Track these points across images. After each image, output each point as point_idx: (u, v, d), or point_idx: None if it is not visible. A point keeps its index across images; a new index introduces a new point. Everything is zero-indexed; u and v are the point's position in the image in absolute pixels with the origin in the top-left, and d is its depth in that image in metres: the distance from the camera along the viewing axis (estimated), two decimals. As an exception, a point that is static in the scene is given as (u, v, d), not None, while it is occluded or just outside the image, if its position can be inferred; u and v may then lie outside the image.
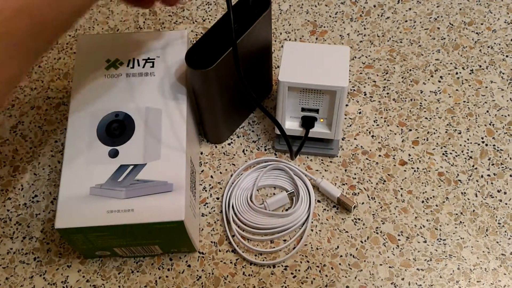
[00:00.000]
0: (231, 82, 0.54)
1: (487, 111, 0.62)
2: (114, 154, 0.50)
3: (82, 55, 0.56)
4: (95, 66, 0.55)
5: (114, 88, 0.53)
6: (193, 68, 0.49)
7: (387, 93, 0.64)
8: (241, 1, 0.53)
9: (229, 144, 0.61)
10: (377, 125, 0.62)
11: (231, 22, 0.47)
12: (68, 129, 0.51)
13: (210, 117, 0.57)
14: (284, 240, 0.55)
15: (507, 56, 0.66)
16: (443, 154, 0.59)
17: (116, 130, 0.51)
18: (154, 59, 0.55)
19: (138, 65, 0.54)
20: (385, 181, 0.58)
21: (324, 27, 0.69)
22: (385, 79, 0.65)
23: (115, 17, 0.71)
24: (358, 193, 0.57)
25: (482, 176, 0.58)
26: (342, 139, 0.61)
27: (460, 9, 0.70)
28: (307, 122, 0.57)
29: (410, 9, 0.70)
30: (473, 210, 0.56)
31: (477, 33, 0.68)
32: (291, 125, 0.57)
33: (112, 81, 0.54)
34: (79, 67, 0.55)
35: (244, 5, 0.53)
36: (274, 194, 0.58)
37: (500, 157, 0.59)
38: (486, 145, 0.60)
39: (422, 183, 0.58)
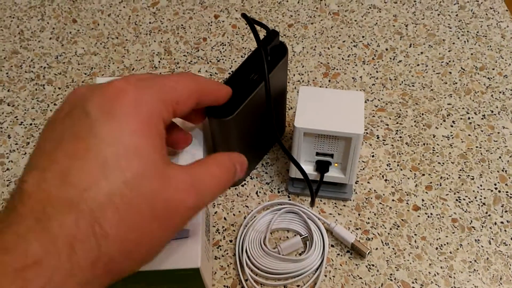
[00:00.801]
0: (249, 128, 0.55)
1: (500, 157, 0.62)
2: (131, 198, 0.50)
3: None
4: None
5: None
6: (214, 117, 0.50)
7: (400, 137, 0.64)
8: (258, 49, 0.54)
9: (242, 185, 0.61)
10: (390, 169, 0.62)
11: (263, 58, 0.49)
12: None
13: None
14: (298, 286, 0.55)
15: (518, 101, 0.66)
16: (457, 200, 0.59)
17: (133, 173, 0.51)
18: (171, 102, 0.55)
19: (156, 108, 0.55)
20: (398, 226, 0.58)
21: (337, 69, 0.70)
22: (397, 123, 0.65)
23: (131, 56, 0.72)
24: (372, 238, 0.57)
25: (495, 223, 0.58)
26: (356, 183, 0.61)
27: (472, 54, 0.71)
28: (322, 167, 0.57)
29: (422, 53, 0.71)
30: (487, 258, 0.56)
31: (488, 78, 0.69)
32: (306, 169, 0.57)
33: (130, 124, 0.54)
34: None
35: (261, 52, 0.53)
36: (287, 237, 0.58)
37: (513, 204, 0.59)
38: (499, 191, 0.60)
39: (436, 229, 0.58)
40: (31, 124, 0.67)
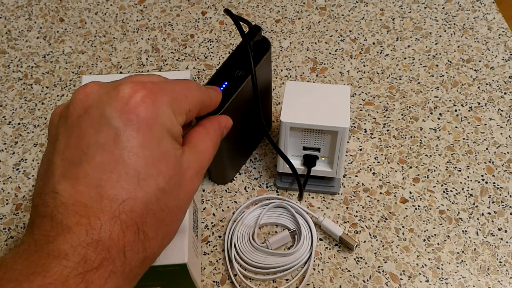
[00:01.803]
0: (237, 125, 0.55)
1: (487, 149, 0.62)
2: (117, 195, 0.50)
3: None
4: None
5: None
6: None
7: (387, 130, 0.64)
8: (242, 45, 0.54)
9: (231, 181, 0.61)
10: (378, 162, 0.62)
11: (249, 52, 0.49)
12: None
13: (216, 160, 0.57)
14: (287, 280, 0.55)
15: (505, 93, 0.67)
16: (444, 191, 0.60)
17: (120, 171, 0.51)
18: (157, 99, 0.56)
19: (142, 105, 0.55)
20: (386, 219, 0.58)
21: (325, 64, 0.70)
22: (385, 116, 0.65)
23: (118, 54, 0.72)
24: (360, 231, 0.58)
25: (482, 214, 0.58)
26: (343, 176, 0.61)
27: (458, 47, 0.71)
28: (309, 161, 0.57)
29: (408, 46, 0.72)
30: (474, 249, 0.56)
31: (475, 70, 0.69)
32: (293, 163, 0.58)
33: (116, 121, 0.54)
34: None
35: (245, 48, 0.54)
36: (276, 232, 0.58)
37: (500, 195, 0.59)
38: (486, 182, 0.60)
39: (424, 221, 0.58)
40: (19, 124, 0.67)
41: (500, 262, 0.55)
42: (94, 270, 0.28)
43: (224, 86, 0.52)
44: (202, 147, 0.36)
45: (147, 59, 0.72)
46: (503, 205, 0.59)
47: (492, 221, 0.58)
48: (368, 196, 0.60)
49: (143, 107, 0.31)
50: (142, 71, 0.70)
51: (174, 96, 0.34)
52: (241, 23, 0.50)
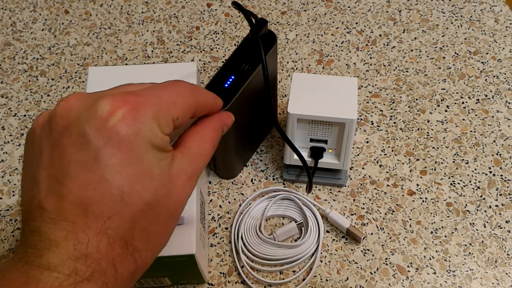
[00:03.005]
0: (244, 119, 0.55)
1: (494, 141, 0.62)
2: (125, 186, 0.50)
3: (92, 87, 0.56)
4: (106, 98, 0.55)
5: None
6: None
7: (394, 123, 0.64)
8: (248, 38, 0.54)
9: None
10: (385, 154, 0.62)
11: (259, 42, 0.49)
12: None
13: (223, 155, 0.57)
14: (294, 271, 0.55)
15: (512, 85, 0.66)
16: (451, 184, 0.60)
17: (127, 162, 0.51)
18: (164, 91, 0.55)
19: (149, 97, 0.55)
20: (393, 211, 0.58)
21: (331, 56, 0.70)
22: (392, 109, 0.65)
23: (124, 46, 0.72)
24: (367, 223, 0.57)
25: (490, 207, 0.58)
26: (350, 169, 0.61)
27: (465, 39, 0.71)
28: (316, 153, 0.57)
29: (415, 38, 0.71)
30: (482, 241, 0.56)
31: (482, 62, 0.69)
32: (300, 155, 0.58)
33: (123, 113, 0.54)
34: (90, 99, 0.55)
35: (251, 42, 0.53)
36: (282, 224, 0.58)
37: (507, 187, 0.59)
38: (494, 175, 0.60)
39: (431, 213, 0.58)
40: (24, 116, 0.66)
41: (508, 254, 0.55)
42: (86, 281, 0.29)
43: (230, 80, 0.51)
44: (197, 149, 0.35)
45: (152, 51, 0.72)
46: (510, 198, 0.58)
47: (500, 214, 0.57)
48: (375, 189, 0.60)
49: (123, 125, 0.30)
50: (147, 63, 0.70)
51: (160, 106, 0.32)
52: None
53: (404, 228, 0.57)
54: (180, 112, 0.34)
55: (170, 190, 0.33)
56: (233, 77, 0.51)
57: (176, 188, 0.33)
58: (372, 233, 0.57)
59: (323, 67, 0.69)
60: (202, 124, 0.37)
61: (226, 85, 0.51)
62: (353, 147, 0.62)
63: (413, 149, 0.62)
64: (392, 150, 0.62)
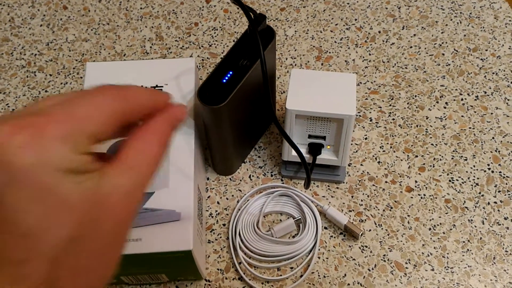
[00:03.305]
0: (242, 115, 0.55)
1: (493, 138, 0.62)
2: (122, 182, 0.50)
3: (90, 82, 0.56)
4: (103, 93, 0.55)
5: (122, 116, 0.53)
6: (206, 105, 0.49)
7: (393, 119, 0.64)
8: (246, 34, 0.53)
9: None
10: (383, 151, 0.62)
11: (257, 37, 0.49)
12: (76, 156, 0.51)
13: (221, 151, 0.57)
14: (291, 268, 0.55)
15: (511, 82, 0.66)
16: (450, 180, 0.59)
17: (124, 158, 0.51)
18: (162, 86, 0.55)
19: (146, 92, 0.55)
20: (392, 207, 0.58)
21: (330, 52, 0.70)
22: (390, 105, 0.65)
23: (122, 42, 0.72)
24: (365, 220, 0.57)
25: (488, 203, 0.58)
26: (349, 165, 0.61)
27: (465, 35, 0.71)
28: (314, 149, 0.57)
29: (414, 35, 0.71)
30: (480, 238, 0.56)
31: (481, 59, 0.69)
32: (298, 151, 0.57)
33: (120, 108, 0.54)
34: (87, 94, 0.55)
35: (249, 38, 0.53)
36: (280, 220, 0.58)
37: (506, 184, 0.59)
38: (492, 171, 0.60)
39: (429, 210, 0.58)
40: (22, 111, 0.66)
41: (506, 251, 0.55)
42: None
43: (229, 75, 0.51)
44: (135, 159, 0.30)
45: (151, 47, 0.71)
46: (509, 194, 0.58)
47: (498, 210, 0.57)
48: (373, 185, 0.59)
49: (23, 154, 0.26)
50: (146, 59, 0.70)
51: (70, 124, 0.28)
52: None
53: (402, 225, 0.57)
54: (100, 125, 0.29)
55: (101, 214, 0.29)
56: (231, 72, 0.51)
57: (110, 210, 0.29)
58: (370, 230, 0.57)
59: (322, 64, 0.69)
60: (143, 128, 0.32)
61: (224, 81, 0.50)
62: (351, 144, 0.62)
63: (411, 145, 0.62)
64: (391, 147, 0.62)
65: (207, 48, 0.71)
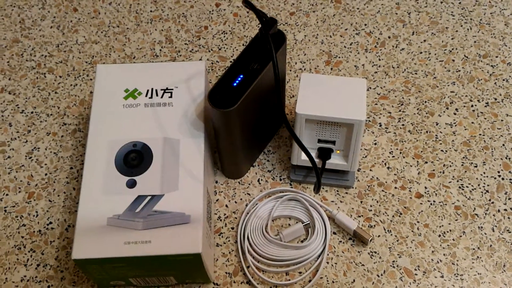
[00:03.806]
0: (252, 118, 0.55)
1: (503, 145, 0.62)
2: (131, 184, 0.50)
3: (100, 84, 0.56)
4: (113, 95, 0.55)
5: (132, 118, 0.53)
6: (216, 108, 0.49)
7: (403, 125, 0.64)
8: (257, 38, 0.53)
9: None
10: (393, 156, 0.61)
11: (269, 40, 0.49)
12: (86, 158, 0.52)
13: (230, 155, 0.57)
14: (300, 273, 0.55)
15: (522, 89, 0.66)
16: (460, 187, 0.59)
17: (134, 160, 0.51)
18: (172, 89, 0.55)
19: (157, 95, 0.55)
20: (401, 213, 0.58)
21: (339, 57, 0.70)
22: (400, 111, 0.65)
23: (132, 44, 0.72)
24: (374, 225, 0.57)
25: (499, 211, 0.57)
26: (358, 170, 0.61)
27: (475, 42, 0.70)
28: (324, 154, 0.56)
29: (424, 40, 0.71)
30: (490, 245, 0.55)
31: (492, 65, 0.68)
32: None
33: (130, 110, 0.54)
34: (97, 96, 0.55)
35: (260, 42, 0.53)
36: (289, 225, 0.57)
37: (517, 191, 0.58)
38: (503, 179, 0.59)
39: (439, 216, 0.57)
40: (32, 112, 0.66)
41: (516, 259, 0.54)
42: None
43: (239, 79, 0.51)
44: None
45: (160, 50, 0.71)
46: (519, 202, 0.58)
47: (509, 218, 0.57)
48: (382, 191, 0.59)
49: None
50: (156, 62, 0.70)
51: None
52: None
53: (412, 231, 0.56)
54: None
55: None
56: (241, 76, 0.51)
57: None
58: (379, 236, 0.56)
59: (331, 68, 0.69)
60: None
61: (235, 84, 0.50)
62: (360, 149, 0.62)
63: (421, 151, 0.62)
64: (400, 152, 0.62)
65: (216, 51, 0.71)
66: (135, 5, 0.76)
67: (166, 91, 0.55)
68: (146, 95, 0.55)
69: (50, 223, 0.58)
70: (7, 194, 0.60)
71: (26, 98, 0.68)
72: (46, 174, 0.62)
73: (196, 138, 0.53)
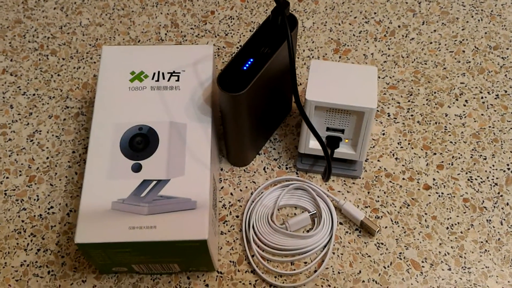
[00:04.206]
0: (260, 104, 0.54)
1: (513, 137, 0.61)
2: (137, 168, 0.49)
3: (106, 66, 0.55)
4: (119, 78, 0.54)
5: (138, 101, 0.52)
6: (226, 92, 0.48)
7: (411, 115, 0.63)
8: (268, 21, 0.52)
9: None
10: (401, 147, 0.60)
11: (285, 19, 0.48)
12: (90, 141, 0.50)
13: (236, 141, 0.56)
14: (305, 263, 0.54)
15: (533, 82, 0.65)
16: (468, 179, 0.58)
17: (140, 144, 0.50)
18: (179, 73, 0.54)
19: (163, 78, 0.54)
20: (409, 205, 0.57)
21: (348, 45, 0.69)
22: (409, 101, 0.64)
23: (137, 28, 0.71)
24: (381, 216, 0.56)
25: (507, 204, 0.57)
26: (365, 161, 0.60)
27: (486, 33, 0.69)
28: (332, 142, 0.55)
29: (435, 30, 0.70)
30: (498, 239, 0.55)
31: (502, 57, 0.67)
32: (315, 144, 0.56)
33: (137, 93, 0.53)
34: (103, 78, 0.54)
35: (271, 25, 0.52)
36: (295, 214, 0.56)
37: (526, 185, 0.58)
38: (512, 172, 0.59)
39: (447, 208, 0.56)
40: (34, 95, 0.65)
41: (525, 253, 0.54)
42: None
43: (249, 63, 0.50)
44: None
45: (166, 34, 0.70)
46: (529, 196, 0.57)
47: (518, 211, 0.56)
48: (390, 182, 0.58)
49: None
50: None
51: None
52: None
53: (419, 223, 0.56)
54: None
55: None
56: (252, 60, 0.50)
57: None
58: (386, 227, 0.55)
59: (339, 57, 0.68)
60: None
61: (245, 68, 0.49)
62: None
63: (430, 142, 0.61)
64: (409, 143, 0.61)
65: (223, 37, 0.70)
66: (141, -12, 0.75)
67: (173, 74, 0.54)
68: (153, 78, 0.54)
69: (51, 207, 0.57)
70: (7, 177, 0.59)
71: (28, 80, 0.66)
72: (47, 158, 0.61)
73: (203, 123, 0.51)
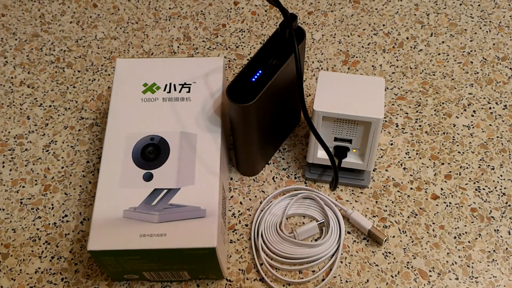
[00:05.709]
0: (269, 114, 0.55)
1: (521, 148, 0.61)
2: (148, 177, 0.50)
3: (120, 78, 0.56)
4: (132, 89, 0.55)
5: (150, 112, 0.54)
6: (234, 103, 0.49)
7: (419, 126, 0.63)
8: (276, 34, 0.53)
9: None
10: (409, 157, 0.61)
11: (292, 33, 0.49)
12: (104, 151, 0.52)
13: (246, 151, 0.57)
14: (313, 271, 0.54)
15: (541, 92, 0.65)
16: (476, 189, 0.59)
17: (151, 153, 0.51)
18: (190, 84, 0.55)
19: (175, 89, 0.55)
20: (416, 214, 0.57)
21: (357, 57, 0.70)
22: (417, 111, 0.64)
23: (150, 41, 0.72)
24: (389, 226, 0.57)
25: (516, 214, 0.57)
26: (373, 170, 0.60)
27: (494, 44, 0.70)
28: (340, 152, 0.56)
29: (443, 42, 0.70)
30: (506, 248, 0.55)
31: (510, 68, 0.68)
32: (323, 154, 0.57)
33: (149, 105, 0.54)
34: (116, 90, 0.55)
35: (279, 38, 0.53)
36: (303, 223, 0.57)
37: (534, 195, 0.58)
38: (520, 182, 0.59)
39: (455, 218, 0.57)
40: (50, 106, 0.67)
41: (533, 263, 0.54)
42: None
43: (258, 74, 0.51)
44: None
45: (178, 47, 0.72)
46: (537, 206, 0.57)
47: (526, 221, 0.56)
48: (398, 191, 0.59)
49: None
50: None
51: None
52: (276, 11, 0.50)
53: (427, 232, 0.56)
54: None
55: None
56: (260, 71, 0.51)
57: None
58: (394, 236, 0.56)
59: (348, 68, 0.69)
60: None
61: (254, 79, 0.50)
62: (376, 149, 0.62)
63: (438, 152, 0.61)
64: (417, 153, 0.61)
65: (234, 49, 0.71)
66: (154, 2, 0.77)
67: (185, 86, 0.55)
68: (165, 90, 0.55)
69: (66, 216, 0.59)
70: (23, 186, 0.61)
71: (45, 91, 0.68)
72: (62, 167, 0.62)
73: (213, 133, 0.53)
